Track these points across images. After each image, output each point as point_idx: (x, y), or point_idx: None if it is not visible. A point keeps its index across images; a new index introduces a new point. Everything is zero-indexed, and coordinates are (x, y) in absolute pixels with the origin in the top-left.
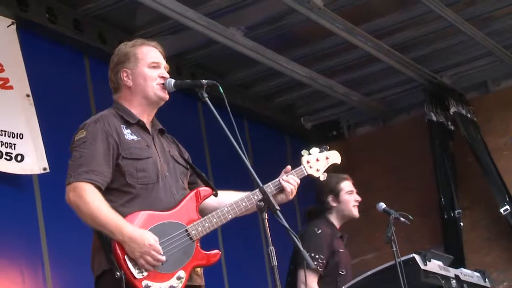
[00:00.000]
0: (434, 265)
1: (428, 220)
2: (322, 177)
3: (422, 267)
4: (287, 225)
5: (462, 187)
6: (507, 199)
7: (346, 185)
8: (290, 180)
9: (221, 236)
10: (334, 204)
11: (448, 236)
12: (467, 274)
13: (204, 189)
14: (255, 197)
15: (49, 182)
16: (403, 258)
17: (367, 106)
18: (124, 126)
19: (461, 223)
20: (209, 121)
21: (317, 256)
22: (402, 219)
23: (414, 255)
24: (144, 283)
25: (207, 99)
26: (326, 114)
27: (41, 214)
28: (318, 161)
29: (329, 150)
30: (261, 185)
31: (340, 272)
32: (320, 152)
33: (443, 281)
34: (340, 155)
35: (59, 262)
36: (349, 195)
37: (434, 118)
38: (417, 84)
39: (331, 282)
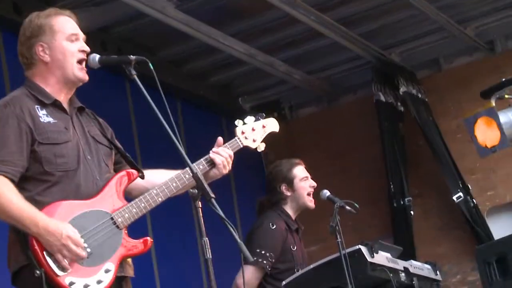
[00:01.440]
0: (382, 257)
1: (376, 209)
2: (260, 147)
3: (369, 259)
4: (222, 214)
5: (413, 173)
6: (460, 185)
7: (299, 171)
8: (220, 152)
9: (150, 224)
10: (288, 194)
11: (398, 226)
12: (417, 266)
13: (129, 171)
14: (186, 176)
15: None
16: (348, 250)
17: (310, 85)
18: (39, 107)
19: (412, 212)
20: (138, 101)
21: (267, 254)
22: (347, 207)
23: (360, 246)
24: (67, 280)
25: (135, 76)
26: (266, 94)
27: None
28: (254, 130)
29: (265, 117)
30: (194, 170)
31: (296, 271)
32: (255, 121)
33: (391, 274)
34: (282, 139)
35: None
36: (304, 182)
37: (383, 99)
38: (364, 61)
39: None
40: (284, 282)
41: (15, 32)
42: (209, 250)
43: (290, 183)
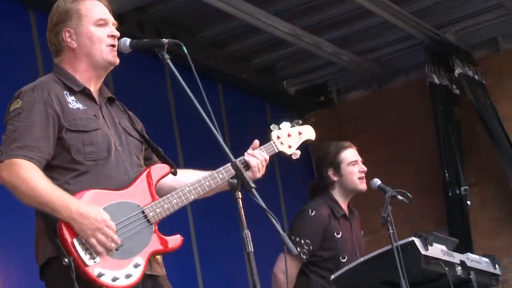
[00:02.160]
0: (437, 250)
1: (430, 199)
2: (296, 154)
3: (423, 252)
4: (263, 205)
5: (469, 161)
6: None
7: (348, 155)
8: (256, 154)
9: (191, 217)
10: (335, 179)
11: (453, 217)
12: (475, 259)
13: (161, 166)
14: (220, 176)
15: None
16: (401, 242)
17: (359, 67)
18: (67, 93)
19: (468, 202)
20: (177, 85)
21: (302, 242)
22: (400, 197)
23: (413, 238)
24: (96, 270)
25: (168, 60)
26: (312, 77)
27: None
28: (290, 136)
29: (302, 124)
30: (233, 159)
31: (341, 260)
32: (291, 127)
33: (446, 268)
34: (329, 124)
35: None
36: (352, 167)
37: (437, 81)
38: (417, 41)
39: (333, 270)
40: (332, 276)
41: (48, 12)
42: (251, 243)
43: (337, 167)
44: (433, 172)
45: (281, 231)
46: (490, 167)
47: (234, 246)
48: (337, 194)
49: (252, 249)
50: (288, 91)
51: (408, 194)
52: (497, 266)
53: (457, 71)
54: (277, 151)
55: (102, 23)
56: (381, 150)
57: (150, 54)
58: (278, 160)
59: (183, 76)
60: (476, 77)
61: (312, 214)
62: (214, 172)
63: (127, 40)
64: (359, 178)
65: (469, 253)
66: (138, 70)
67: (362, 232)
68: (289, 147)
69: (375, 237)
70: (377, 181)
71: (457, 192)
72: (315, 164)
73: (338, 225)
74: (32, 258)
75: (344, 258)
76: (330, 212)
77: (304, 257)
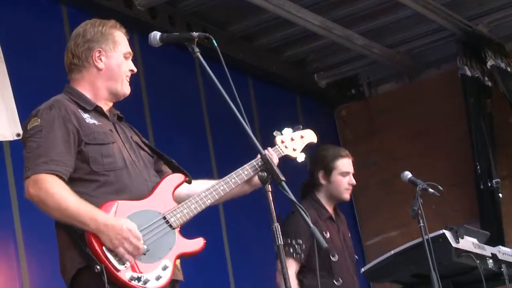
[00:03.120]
0: (468, 243)
1: (461, 191)
2: (300, 157)
3: (454, 245)
4: (293, 198)
5: (501, 153)
6: None
7: (343, 164)
8: (270, 151)
9: (223, 212)
10: (323, 182)
11: (485, 209)
12: (506, 252)
13: (177, 175)
14: (233, 180)
15: (22, 149)
16: (431, 235)
17: (390, 59)
18: (82, 111)
19: (500, 194)
20: (208, 79)
21: (293, 242)
22: (430, 190)
23: (444, 231)
24: (128, 274)
25: (198, 54)
26: (343, 69)
27: (13, 184)
28: (293, 140)
29: (303, 129)
30: (262, 151)
31: (332, 259)
32: (294, 131)
33: (478, 261)
34: (360, 117)
35: (34, 237)
36: (342, 177)
37: (469, 73)
38: (448, 33)
39: (324, 271)
40: (363, 269)
41: (80, 6)
42: (281, 237)
43: (328, 172)
44: (464, 164)
45: (312, 225)
46: None
47: (264, 239)
48: (321, 197)
49: (282, 242)
50: (319, 84)
51: (439, 186)
52: None
53: (489, 63)
54: (283, 154)
55: (128, 56)
56: (412, 143)
57: (181, 47)
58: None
59: (214, 69)
60: (509, 69)
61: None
62: (227, 177)
63: (157, 34)
64: (346, 189)
65: (500, 246)
66: (170, 63)
67: (350, 235)
68: (294, 150)
69: (407, 230)
70: (407, 174)
71: (489, 184)
72: (309, 160)
73: (325, 226)
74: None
75: (335, 256)
76: (316, 214)
77: (298, 256)
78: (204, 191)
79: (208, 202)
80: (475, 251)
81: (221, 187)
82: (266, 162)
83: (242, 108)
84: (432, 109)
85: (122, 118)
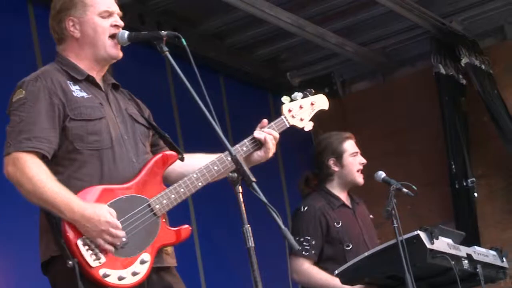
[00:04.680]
0: (443, 244)
1: (436, 191)
2: (308, 126)
3: (429, 246)
4: (264, 199)
5: (476, 152)
6: None
7: (350, 145)
8: (267, 131)
9: (193, 211)
10: (335, 169)
11: (460, 209)
12: (482, 253)
13: (168, 154)
14: (229, 158)
15: None
16: (405, 236)
17: (364, 58)
18: (71, 83)
19: (475, 194)
20: (178, 78)
21: (302, 239)
22: (404, 190)
23: (418, 232)
24: (101, 271)
25: (167, 53)
26: (316, 68)
27: None
28: (301, 108)
29: (314, 94)
30: (233, 153)
31: (346, 248)
32: (303, 97)
33: (453, 262)
34: (333, 116)
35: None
36: (353, 158)
37: (443, 71)
38: (422, 31)
39: (340, 260)
40: (336, 271)
41: (47, 4)
42: (251, 238)
43: (339, 157)
44: (439, 164)
45: (283, 226)
46: (498, 159)
47: (237, 240)
48: (334, 187)
49: (253, 244)
50: (291, 82)
51: (413, 186)
52: (504, 259)
53: (464, 61)
54: (288, 125)
55: (106, 15)
56: (386, 142)
57: (151, 46)
58: (282, 151)
59: (184, 68)
60: (483, 66)
61: (305, 209)
62: (222, 155)
63: (125, 33)
64: (358, 171)
65: (476, 246)
66: (140, 62)
67: (371, 216)
68: (301, 120)
69: (380, 232)
70: (381, 174)
71: (464, 184)
72: (315, 152)
73: (337, 215)
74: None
75: (349, 246)
76: (326, 204)
77: (307, 254)
78: (196, 172)
79: (200, 185)
80: (450, 252)
81: (215, 167)
82: (236, 163)
83: (211, 107)
84: (406, 108)
85: (118, 86)
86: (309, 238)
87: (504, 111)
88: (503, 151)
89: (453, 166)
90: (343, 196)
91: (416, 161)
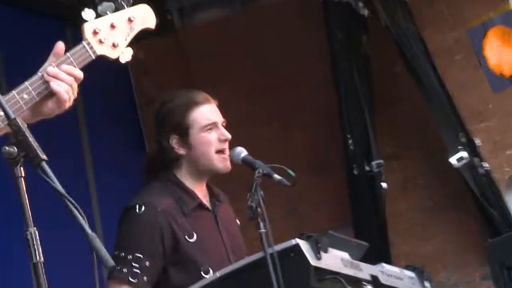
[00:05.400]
0: (335, 259)
1: (325, 179)
2: (125, 56)
3: (313, 262)
4: (60, 188)
5: (385, 120)
6: (462, 140)
7: (202, 115)
8: (60, 76)
9: None
10: (181, 152)
11: (360, 207)
12: (393, 273)
13: None
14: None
15: None
16: (278, 247)
17: None
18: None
19: (383, 184)
20: None
21: (129, 257)
22: (276, 176)
23: (298, 241)
24: None
25: None
26: None
27: None
28: (114, 28)
29: (134, 4)
30: (11, 115)
31: (203, 273)
32: (116, 10)
33: (349, 287)
34: (168, 61)
35: None
36: (207, 133)
37: None
38: None
39: None
40: None
41: None
42: (39, 249)
43: (184, 134)
44: (329, 138)
45: (89, 230)
46: (417, 131)
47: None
48: (184, 176)
49: (41, 259)
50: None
51: (290, 171)
52: (427, 283)
53: None
54: (93, 56)
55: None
56: (248, 104)
57: None
58: (85, 101)
59: None
60: None
61: (141, 211)
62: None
63: None
64: (219, 152)
65: (384, 264)
66: None
67: (238, 221)
68: (114, 46)
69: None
70: (240, 152)
71: (367, 168)
72: (154, 126)
73: (191, 223)
74: None
75: (208, 272)
76: (175, 204)
77: (136, 280)
78: None
79: None
80: (346, 272)
81: None
82: (17, 129)
83: None
84: (277, 51)
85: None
86: (140, 256)
87: (425, 57)
88: (423, 119)
89: (350, 141)
90: (199, 191)
91: (294, 133)
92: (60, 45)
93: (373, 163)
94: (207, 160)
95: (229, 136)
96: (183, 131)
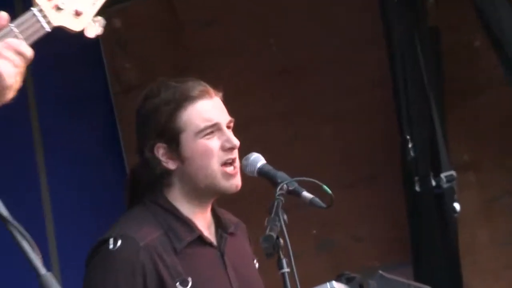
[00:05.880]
0: None
1: (373, 197)
2: (92, 29)
3: None
4: (4, 211)
5: (460, 116)
6: None
7: (200, 113)
8: (3, 54)
9: None
10: (171, 166)
11: (424, 236)
12: None
13: None
14: None
15: None
16: None
17: None
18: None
19: (456, 205)
20: None
21: None
22: (306, 194)
23: (335, 285)
24: None
25: None
26: None
27: None
28: None
29: None
30: None
31: None
32: None
33: None
34: (158, 32)
35: None
36: (207, 139)
37: None
38: None
39: None
40: None
41: None
42: None
43: (173, 141)
44: (379, 139)
45: (42, 269)
46: (504, 131)
47: None
48: (178, 198)
49: None
50: None
51: (325, 187)
52: None
53: None
54: (48, 29)
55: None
56: (267, 94)
57: None
58: (36, 88)
59: None
60: None
61: (117, 246)
62: None
63: None
64: (225, 165)
65: None
66: None
67: (255, 261)
68: (77, 14)
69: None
70: (256, 160)
71: (433, 183)
72: (135, 130)
73: (185, 263)
74: None
75: None
76: (164, 237)
77: None
78: None
79: None
80: None
81: None
82: None
83: None
84: (314, 24)
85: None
86: None
87: None
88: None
89: (410, 146)
90: (200, 219)
91: (331, 134)
92: (2, 15)
93: (443, 175)
94: (208, 176)
95: (236, 142)
96: (173, 137)
